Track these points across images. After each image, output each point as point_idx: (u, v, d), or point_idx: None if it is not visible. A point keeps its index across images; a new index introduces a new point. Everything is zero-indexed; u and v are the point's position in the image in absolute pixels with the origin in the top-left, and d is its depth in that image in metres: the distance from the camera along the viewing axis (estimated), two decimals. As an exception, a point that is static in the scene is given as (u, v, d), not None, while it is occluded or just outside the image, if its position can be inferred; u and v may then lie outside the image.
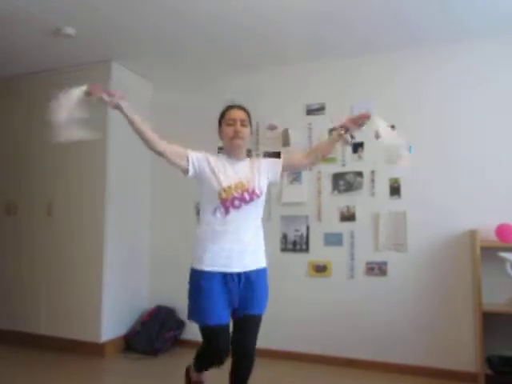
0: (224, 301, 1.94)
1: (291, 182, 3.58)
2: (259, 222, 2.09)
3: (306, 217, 3.51)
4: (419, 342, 3.11)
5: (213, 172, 1.99)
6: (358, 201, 3.38)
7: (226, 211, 1.94)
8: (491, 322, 2.82)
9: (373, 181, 3.35)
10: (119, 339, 3.64)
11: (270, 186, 2.20)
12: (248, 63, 3.72)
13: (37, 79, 3.88)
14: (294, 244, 3.52)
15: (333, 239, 3.42)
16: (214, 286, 1.93)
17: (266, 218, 3.56)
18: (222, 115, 2.12)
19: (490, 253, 2.81)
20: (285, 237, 3.54)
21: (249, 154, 2.11)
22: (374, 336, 3.23)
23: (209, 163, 2.02)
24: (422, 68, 3.31)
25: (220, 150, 3.82)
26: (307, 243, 3.49)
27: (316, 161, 2.19)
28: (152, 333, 3.58)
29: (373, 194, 3.34)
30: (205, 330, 1.97)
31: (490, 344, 2.84)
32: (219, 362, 2.03)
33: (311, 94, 3.60)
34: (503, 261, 2.69)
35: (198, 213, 2.21)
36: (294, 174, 3.55)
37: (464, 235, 3.07)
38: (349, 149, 3.43)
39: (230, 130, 2.04)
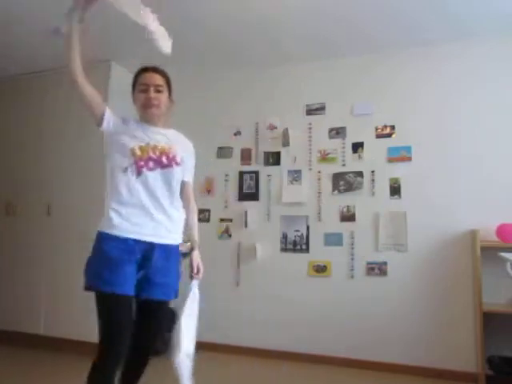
0: (132, 270, 1.69)
1: (291, 182, 3.57)
2: (178, 196, 1.84)
3: (306, 217, 3.50)
4: (419, 343, 3.11)
5: (127, 130, 1.78)
6: (358, 201, 3.37)
7: (138, 171, 1.73)
8: (491, 322, 2.81)
9: (373, 181, 3.35)
10: (119, 339, 3.63)
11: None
12: (248, 63, 3.72)
13: (36, 79, 3.86)
14: (294, 244, 3.52)
15: (333, 239, 3.41)
16: (123, 252, 1.67)
17: (266, 218, 3.58)
18: (135, 79, 1.86)
19: (490, 253, 2.81)
20: (285, 237, 3.54)
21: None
22: (374, 336, 3.22)
23: (124, 121, 1.81)
24: (422, 68, 3.31)
25: (220, 149, 3.84)
26: (307, 243, 3.48)
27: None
28: (152, 333, 3.57)
29: (373, 194, 3.34)
30: (107, 300, 1.67)
31: (491, 344, 2.84)
32: (118, 345, 1.68)
33: (311, 94, 3.60)
34: (503, 261, 2.69)
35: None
36: (294, 174, 3.56)
37: (464, 235, 3.06)
38: (349, 149, 3.43)
39: (142, 97, 1.80)
